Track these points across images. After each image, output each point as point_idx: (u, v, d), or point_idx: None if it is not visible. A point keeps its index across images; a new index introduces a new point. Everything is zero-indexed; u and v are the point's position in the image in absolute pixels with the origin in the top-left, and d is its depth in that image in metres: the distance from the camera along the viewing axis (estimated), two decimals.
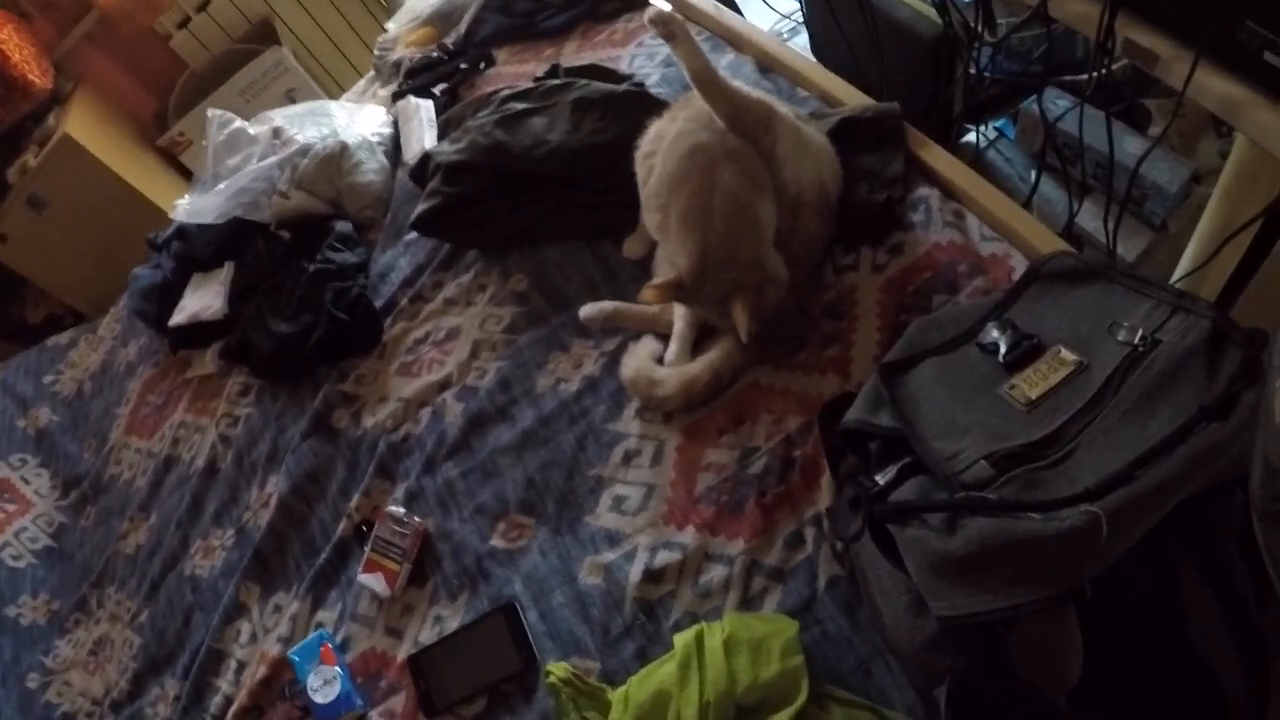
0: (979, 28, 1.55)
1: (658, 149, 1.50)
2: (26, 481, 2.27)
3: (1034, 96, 1.69)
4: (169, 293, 2.27)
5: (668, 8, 2.24)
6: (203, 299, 2.19)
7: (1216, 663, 0.94)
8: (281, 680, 1.58)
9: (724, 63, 1.95)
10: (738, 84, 1.49)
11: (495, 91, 2.01)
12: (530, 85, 1.92)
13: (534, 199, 1.80)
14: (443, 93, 2.26)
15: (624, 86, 1.82)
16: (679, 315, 1.52)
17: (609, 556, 1.40)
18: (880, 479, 1.03)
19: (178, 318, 2.20)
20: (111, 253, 3.18)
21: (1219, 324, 0.97)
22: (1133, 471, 0.86)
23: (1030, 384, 1.03)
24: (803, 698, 1.10)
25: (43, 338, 2.74)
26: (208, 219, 2.18)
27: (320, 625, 1.59)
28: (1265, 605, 0.96)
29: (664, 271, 1.60)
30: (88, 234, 3.26)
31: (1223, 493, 0.92)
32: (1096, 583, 0.83)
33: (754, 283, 1.37)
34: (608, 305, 1.62)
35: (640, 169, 1.56)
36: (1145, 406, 0.94)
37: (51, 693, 1.87)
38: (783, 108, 1.53)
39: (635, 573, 1.36)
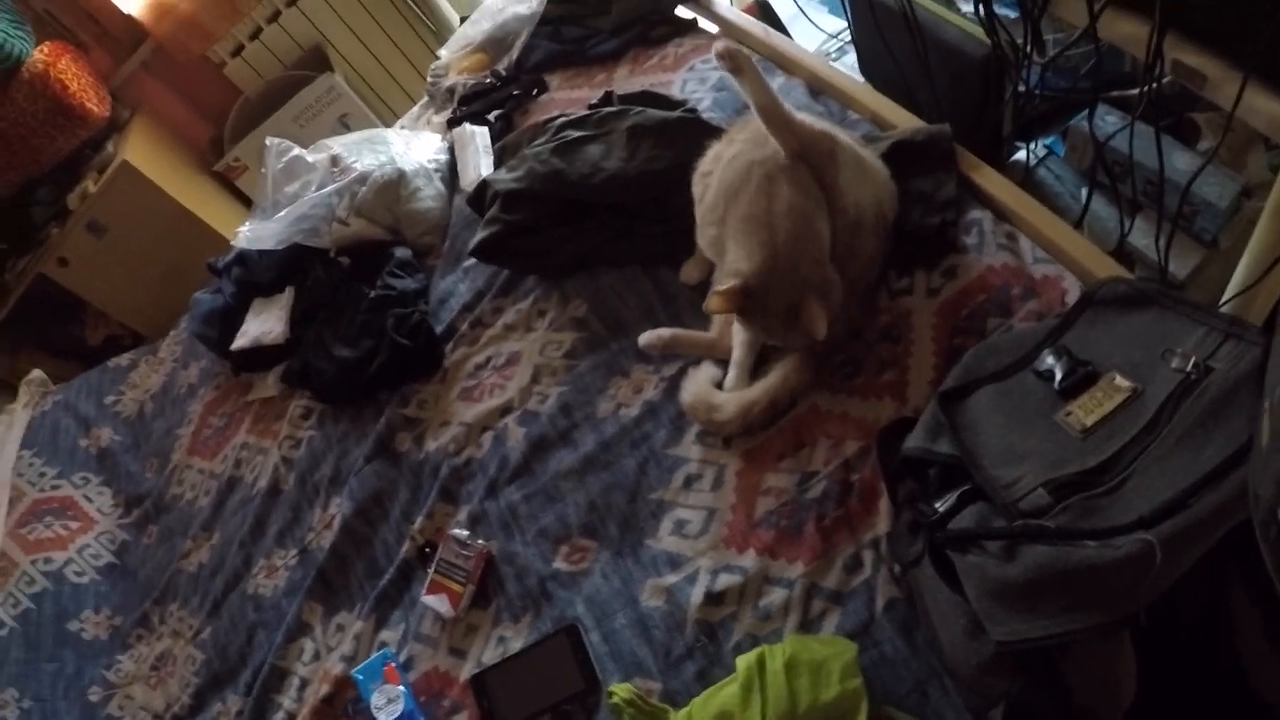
0: (1028, 48, 1.56)
1: (715, 169, 1.54)
2: (89, 500, 2.33)
3: (1084, 114, 1.69)
4: (230, 317, 2.33)
5: (715, 30, 2.29)
6: (264, 323, 2.25)
7: (1270, 689, 0.95)
8: (344, 699, 1.61)
9: (774, 86, 1.96)
10: (801, 116, 1.51)
11: (551, 119, 2.04)
12: (586, 113, 1.96)
13: (591, 226, 1.84)
14: (497, 119, 2.30)
15: (678, 113, 1.85)
16: (738, 342, 1.54)
17: (671, 579, 1.43)
18: (940, 506, 1.05)
19: (240, 341, 2.25)
20: (170, 276, 3.25)
21: (1270, 351, 0.98)
22: (1186, 499, 0.88)
23: (1085, 411, 1.05)
24: (862, 718, 1.12)
25: (102, 359, 2.80)
26: (268, 245, 2.23)
27: (384, 645, 1.63)
28: None
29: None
30: (146, 258, 3.33)
31: None
32: (1150, 611, 0.85)
33: (819, 282, 1.39)
34: (666, 332, 1.64)
35: (697, 187, 1.60)
36: (1198, 434, 0.95)
37: (113, 706, 1.91)
38: (843, 136, 1.55)
39: (697, 595, 1.39)
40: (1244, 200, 1.72)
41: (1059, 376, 1.09)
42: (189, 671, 1.86)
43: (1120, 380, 1.04)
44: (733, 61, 1.45)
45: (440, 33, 3.48)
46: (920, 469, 1.15)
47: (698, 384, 1.57)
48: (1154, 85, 1.29)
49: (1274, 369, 0.71)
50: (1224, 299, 1.49)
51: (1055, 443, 1.02)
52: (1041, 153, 2.00)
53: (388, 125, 2.95)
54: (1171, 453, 0.95)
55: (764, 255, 1.38)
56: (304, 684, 1.68)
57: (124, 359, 2.74)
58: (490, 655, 1.51)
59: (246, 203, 3.54)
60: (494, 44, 2.53)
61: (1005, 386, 1.14)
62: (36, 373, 2.86)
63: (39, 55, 3.02)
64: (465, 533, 1.63)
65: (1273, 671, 0.95)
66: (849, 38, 2.47)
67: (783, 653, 1.20)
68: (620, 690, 1.31)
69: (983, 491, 1.02)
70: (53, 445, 2.50)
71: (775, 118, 1.45)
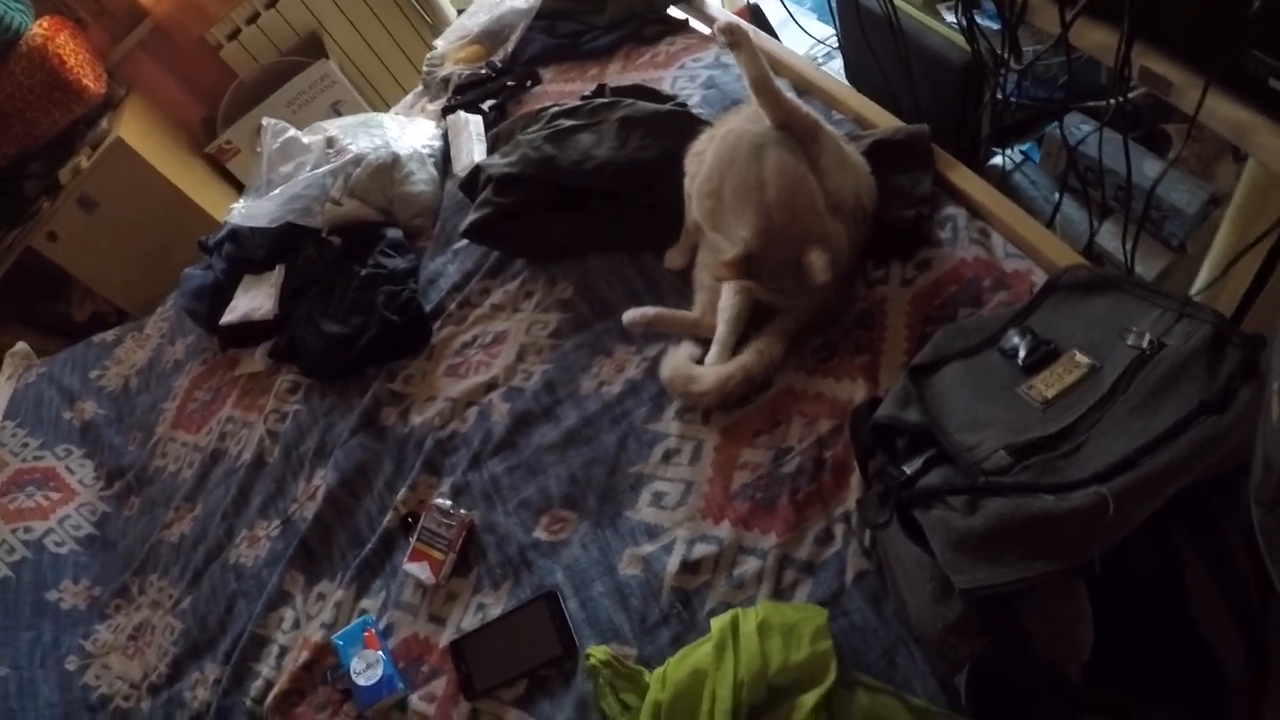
0: (1006, 55, 1.62)
1: (709, 147, 1.60)
2: (71, 471, 2.35)
3: (1057, 122, 1.76)
4: (220, 293, 2.36)
5: (706, 31, 2.34)
6: (253, 300, 2.28)
7: (1218, 641, 1.01)
8: (323, 665, 1.64)
9: None
10: (791, 95, 1.57)
11: (544, 108, 2.10)
12: (578, 103, 2.02)
13: (581, 211, 1.89)
14: (491, 108, 2.35)
15: (668, 106, 1.91)
16: (722, 320, 1.59)
17: (648, 548, 1.47)
18: (907, 469, 1.11)
19: (229, 317, 2.28)
20: (158, 254, 3.28)
21: (1220, 328, 1.05)
22: (1138, 458, 0.95)
23: (1047, 384, 1.11)
24: (831, 679, 1.17)
25: (88, 335, 2.82)
26: (261, 223, 2.27)
27: (364, 612, 1.66)
28: (1270, 590, 1.03)
29: (703, 282, 1.69)
30: (135, 235, 3.35)
31: (1224, 481, 1.00)
32: (1105, 562, 0.91)
33: (819, 234, 1.45)
34: (650, 311, 1.69)
35: (691, 165, 1.66)
36: (1151, 403, 1.02)
37: (90, 675, 1.92)
38: (827, 124, 1.62)
39: (673, 564, 1.43)
40: (1211, 208, 1.79)
41: (1023, 354, 1.15)
42: (167, 641, 1.88)
43: (1080, 357, 1.10)
44: (732, 36, 1.52)
45: (435, 24, 3.53)
46: (889, 439, 1.21)
47: (677, 359, 1.62)
48: (1123, 93, 1.35)
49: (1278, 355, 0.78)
50: (1190, 295, 1.56)
51: (1017, 412, 1.08)
52: (1018, 158, 2.07)
53: (380, 113, 2.98)
54: (1126, 419, 1.01)
55: (759, 218, 1.44)
56: (283, 651, 1.71)
57: (109, 335, 2.76)
58: (470, 622, 1.55)
59: (236, 185, 3.57)
60: (490, 36, 2.58)
61: (972, 363, 1.20)
62: (21, 345, 2.87)
63: (38, 29, 3.04)
64: (448, 502, 1.67)
65: (1219, 619, 1.02)
66: (836, 43, 2.53)
67: (756, 615, 1.25)
68: (597, 652, 1.35)
69: (948, 456, 1.07)
70: (36, 416, 2.52)
71: (765, 89, 1.52)
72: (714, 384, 1.55)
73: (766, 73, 1.52)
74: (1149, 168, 1.77)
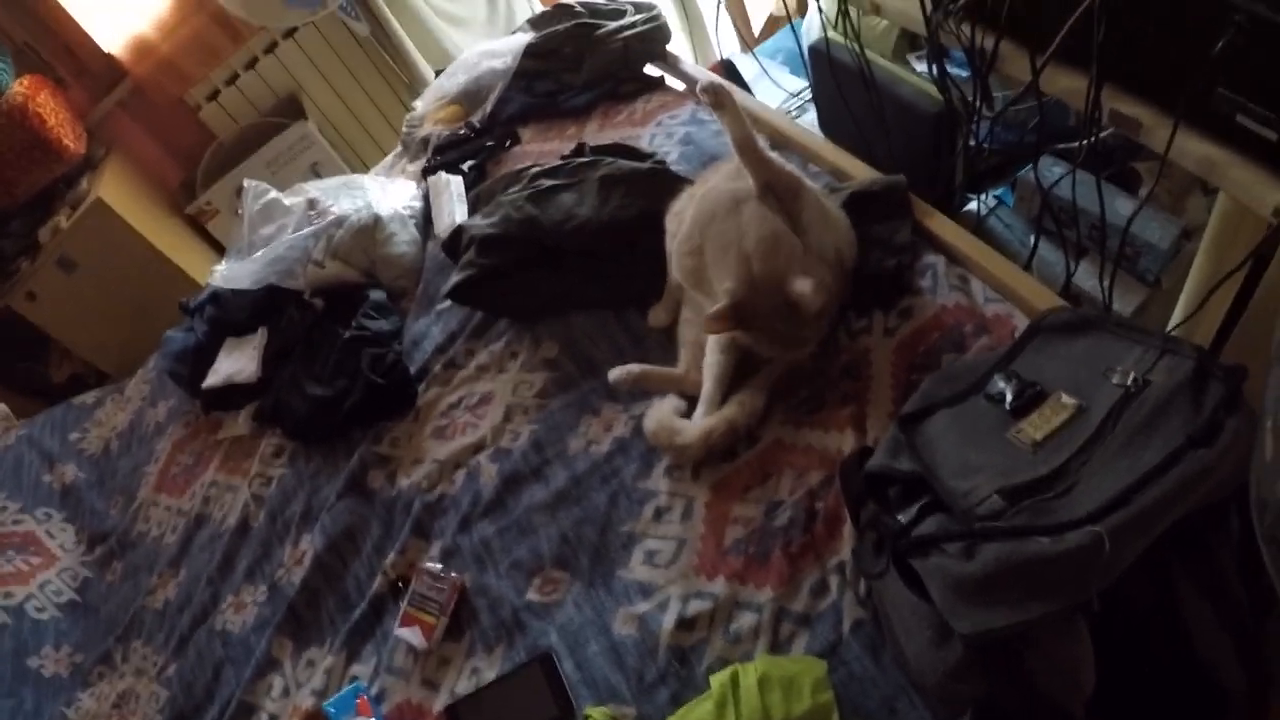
0: (977, 103, 1.66)
1: (689, 205, 1.62)
2: (51, 536, 2.31)
3: (1030, 165, 1.80)
4: (202, 355, 2.35)
5: (682, 87, 2.38)
6: (236, 362, 2.27)
7: (1218, 667, 1.02)
8: None
9: None
10: (774, 155, 1.60)
11: (525, 168, 2.12)
12: (559, 162, 2.04)
13: (564, 271, 1.90)
14: (470, 168, 2.37)
15: (647, 164, 1.93)
16: (709, 377, 1.60)
17: (642, 607, 1.46)
18: (902, 518, 1.12)
19: (211, 380, 2.27)
20: (138, 316, 3.27)
21: (1202, 362, 1.07)
22: (1130, 495, 0.96)
23: (1035, 427, 1.12)
24: None
25: (66, 397, 2.78)
26: (243, 285, 2.27)
27: (355, 678, 1.64)
28: (1267, 616, 1.05)
29: (687, 338, 1.70)
30: (115, 296, 3.34)
31: (1215, 512, 1.02)
32: (1103, 598, 0.92)
33: (799, 271, 1.46)
34: (635, 368, 1.70)
35: (671, 224, 1.68)
36: (1139, 439, 1.04)
37: None
38: (809, 182, 1.64)
39: (669, 621, 1.42)
40: (1184, 242, 1.83)
41: (1009, 398, 1.16)
42: (153, 709, 1.84)
43: (1066, 399, 1.12)
44: (715, 96, 1.55)
45: (413, 85, 3.56)
46: (881, 489, 1.21)
47: (661, 412, 1.63)
48: (1094, 134, 1.39)
49: (1272, 390, 0.79)
50: (1168, 330, 1.58)
51: (1008, 456, 1.09)
52: (992, 203, 2.11)
53: (359, 174, 3.00)
54: (1115, 458, 1.02)
55: (740, 266, 1.46)
56: (272, 719, 1.68)
57: (89, 397, 2.73)
58: (464, 686, 1.53)
59: (216, 246, 3.57)
60: (468, 97, 2.60)
61: (960, 410, 1.21)
62: (0, 406, 2.84)
63: (18, 88, 3.05)
64: (438, 565, 1.66)
65: (1218, 645, 1.03)
66: (809, 96, 2.57)
67: (755, 670, 1.24)
68: (596, 714, 1.34)
69: (941, 503, 1.08)
70: (15, 479, 2.48)
71: (750, 150, 1.54)
72: (698, 437, 1.56)
73: (750, 133, 1.54)
74: (1121, 205, 1.81)
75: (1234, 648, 1.06)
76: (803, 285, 1.40)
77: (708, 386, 1.59)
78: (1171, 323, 1.56)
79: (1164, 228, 1.82)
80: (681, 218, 1.63)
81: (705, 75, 1.77)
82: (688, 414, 1.62)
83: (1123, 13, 1.20)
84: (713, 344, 1.60)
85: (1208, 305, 1.43)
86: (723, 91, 1.56)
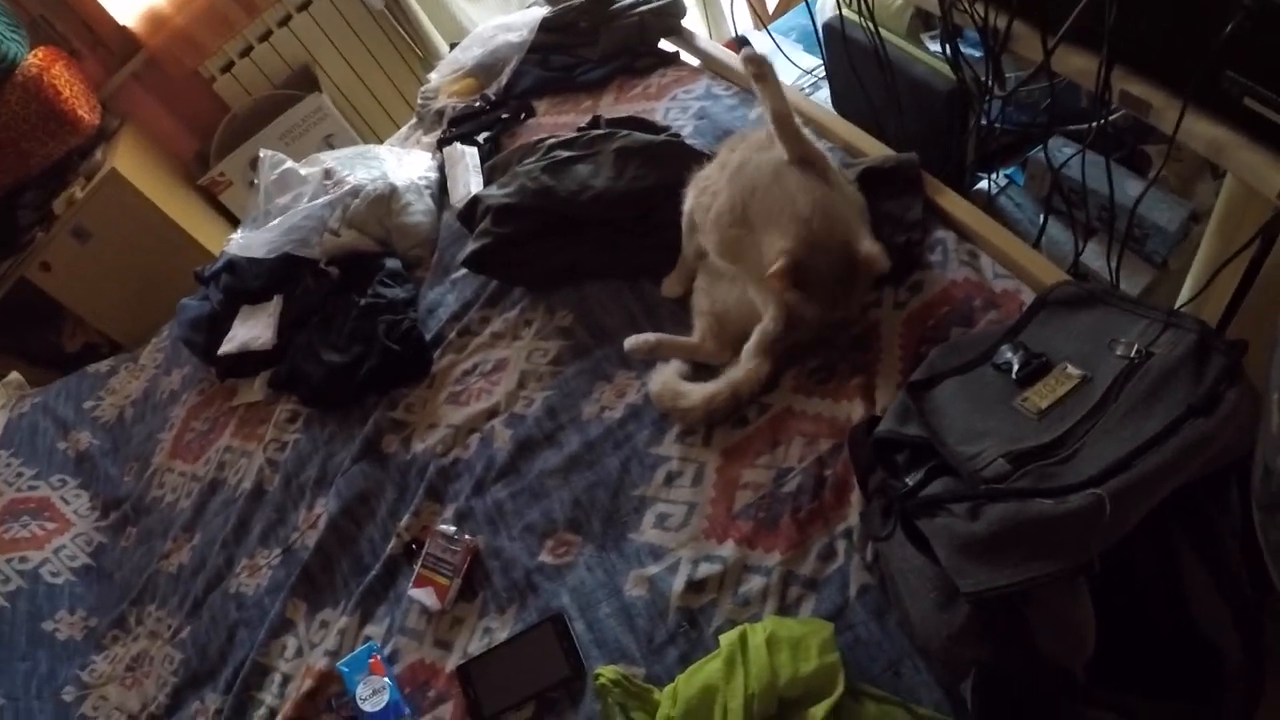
0: (989, 82, 1.67)
1: (719, 176, 1.62)
2: (66, 502, 2.34)
3: (1041, 145, 1.81)
4: (217, 323, 2.38)
5: (697, 63, 2.39)
6: (251, 329, 2.29)
7: (1216, 635, 1.05)
8: (327, 693, 1.64)
9: (753, 115, 2.08)
10: (806, 130, 1.62)
11: (540, 140, 2.13)
12: (575, 134, 2.06)
13: (578, 240, 1.92)
14: (486, 140, 2.38)
15: (663, 137, 1.95)
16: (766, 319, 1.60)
17: (653, 569, 1.50)
18: (909, 480, 1.15)
19: (227, 347, 2.29)
20: (151, 285, 3.29)
21: (1204, 336, 1.10)
22: (1131, 461, 0.99)
23: (1040, 396, 1.15)
24: (840, 690, 1.20)
25: (79, 366, 2.81)
26: (259, 253, 2.29)
27: (369, 639, 1.67)
28: (1264, 586, 1.07)
29: (701, 308, 1.72)
30: (129, 266, 3.36)
31: (1214, 480, 1.05)
32: (1105, 563, 0.95)
33: (857, 234, 1.49)
34: (651, 336, 1.73)
35: (695, 194, 1.69)
36: (1141, 409, 1.07)
37: (87, 706, 1.91)
38: (833, 162, 1.66)
39: (679, 583, 1.46)
40: (1192, 225, 1.84)
41: (1016, 367, 1.19)
42: (167, 671, 1.88)
43: (1071, 369, 1.15)
44: (757, 68, 1.57)
45: (427, 59, 3.56)
46: (889, 455, 1.24)
47: (665, 375, 1.66)
48: (1104, 115, 1.40)
49: (1278, 364, 0.81)
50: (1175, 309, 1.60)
51: (1013, 423, 1.12)
52: (1002, 182, 2.12)
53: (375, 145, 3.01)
54: (1118, 426, 1.05)
55: (798, 226, 1.47)
56: (286, 680, 1.71)
57: (103, 365, 2.76)
58: (476, 646, 1.56)
59: (229, 217, 3.59)
60: (484, 70, 2.62)
61: (967, 378, 1.24)
62: (14, 375, 2.88)
63: (33, 60, 3.06)
64: (452, 528, 1.68)
65: (1216, 613, 1.06)
66: (823, 74, 2.58)
67: (764, 630, 1.27)
68: (607, 672, 1.37)
69: (948, 467, 1.11)
70: (30, 446, 2.52)
71: (788, 124, 1.56)
72: (701, 400, 1.59)
73: (789, 107, 1.56)
74: (1130, 187, 1.82)
75: (1232, 616, 1.08)
76: (872, 247, 1.44)
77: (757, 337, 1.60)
78: (1178, 302, 1.58)
79: (1173, 210, 1.84)
80: (709, 188, 1.64)
81: (743, 48, 1.77)
82: (693, 379, 1.65)
83: None
84: (768, 316, 1.61)
85: (1214, 285, 1.45)
86: (765, 64, 1.58)
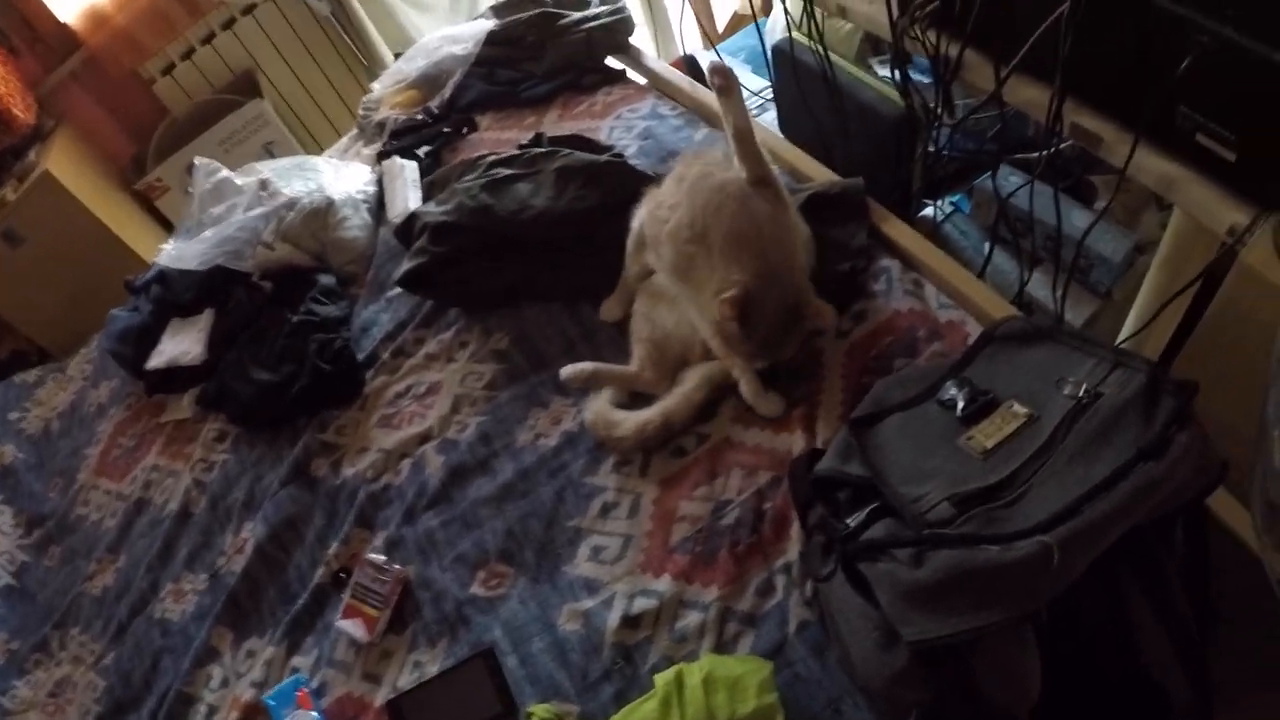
0: (939, 110, 1.66)
1: (673, 194, 1.58)
2: None
3: (989, 173, 1.81)
4: (146, 336, 2.29)
5: (644, 81, 2.37)
6: (181, 344, 2.22)
7: (1164, 677, 1.03)
8: None
9: (698, 137, 2.05)
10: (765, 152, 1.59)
11: (481, 156, 2.09)
12: (516, 152, 2.01)
13: (517, 261, 1.88)
14: (426, 154, 2.34)
15: (605, 157, 1.92)
16: (738, 364, 1.56)
17: (588, 604, 1.45)
18: (851, 522, 1.11)
19: (155, 361, 2.22)
20: (82, 293, 3.15)
21: (1154, 377, 1.08)
22: (1080, 506, 0.97)
23: (986, 435, 1.13)
24: None
25: (7, 374, 2.73)
26: (191, 265, 2.22)
27: (295, 671, 1.61)
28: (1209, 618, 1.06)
29: (641, 334, 1.68)
30: (60, 272, 3.24)
31: (1162, 525, 1.03)
32: (1052, 607, 0.93)
33: (806, 285, 1.47)
34: (588, 366, 1.69)
35: (646, 213, 1.65)
36: (1090, 451, 1.04)
37: None
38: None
39: (614, 619, 1.41)
40: (1136, 255, 1.85)
41: (961, 405, 1.16)
42: (89, 699, 1.80)
43: (1018, 407, 1.13)
44: (724, 79, 1.54)
45: (372, 68, 3.51)
46: (830, 492, 1.21)
47: (598, 404, 1.63)
48: (1054, 147, 1.40)
49: (1274, 400, 0.79)
50: (1118, 342, 1.60)
51: (958, 463, 1.10)
52: (948, 209, 2.12)
53: (313, 155, 2.95)
54: (1065, 468, 1.03)
55: (757, 264, 1.43)
56: (211, 711, 1.64)
57: (30, 375, 2.67)
58: (406, 680, 1.51)
59: (165, 224, 3.49)
60: (427, 81, 2.57)
61: (911, 414, 1.21)
62: None
63: None
64: (382, 557, 1.63)
65: (1164, 655, 1.04)
66: (770, 95, 2.57)
67: (700, 670, 1.23)
68: (539, 710, 1.33)
69: (891, 508, 1.08)
70: None
71: (749, 142, 1.53)
72: (633, 429, 1.56)
73: (750, 125, 1.54)
74: (1076, 217, 1.82)
75: (1180, 659, 1.07)
76: (823, 309, 1.44)
77: (738, 362, 1.55)
78: (1122, 335, 1.58)
79: (1117, 241, 1.84)
80: (665, 203, 1.59)
81: (710, 61, 1.74)
82: (631, 407, 1.62)
83: (1089, 27, 1.21)
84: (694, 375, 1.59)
85: (1157, 319, 1.45)
86: (732, 77, 1.55)
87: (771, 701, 1.19)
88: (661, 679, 1.26)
